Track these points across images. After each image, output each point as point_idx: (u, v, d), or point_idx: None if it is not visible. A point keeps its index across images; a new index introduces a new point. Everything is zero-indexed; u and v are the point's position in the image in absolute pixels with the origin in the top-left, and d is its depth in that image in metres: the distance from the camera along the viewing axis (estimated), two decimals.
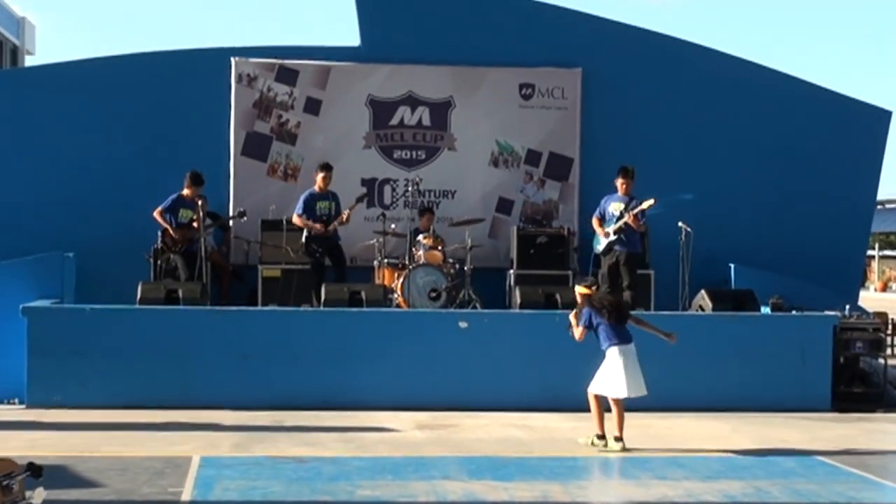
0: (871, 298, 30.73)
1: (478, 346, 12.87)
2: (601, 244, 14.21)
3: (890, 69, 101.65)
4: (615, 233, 13.97)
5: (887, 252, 53.46)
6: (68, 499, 8.15)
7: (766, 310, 14.01)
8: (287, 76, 15.66)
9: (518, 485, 9.01)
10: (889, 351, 14.30)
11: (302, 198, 14.61)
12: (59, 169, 15.29)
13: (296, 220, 14.49)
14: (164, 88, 15.47)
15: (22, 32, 35.92)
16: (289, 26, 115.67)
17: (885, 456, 10.95)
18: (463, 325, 12.96)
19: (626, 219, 13.83)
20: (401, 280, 14.09)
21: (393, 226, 14.96)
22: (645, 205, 13.76)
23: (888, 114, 16.51)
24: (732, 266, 15.32)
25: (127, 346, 12.55)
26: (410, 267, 14.16)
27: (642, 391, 10.40)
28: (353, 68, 15.76)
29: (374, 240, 14.68)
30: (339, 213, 14.51)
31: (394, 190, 15.78)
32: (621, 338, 10.40)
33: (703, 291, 14.16)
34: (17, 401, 12.62)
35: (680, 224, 14.46)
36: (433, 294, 14.02)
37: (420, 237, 14.66)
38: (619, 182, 14.11)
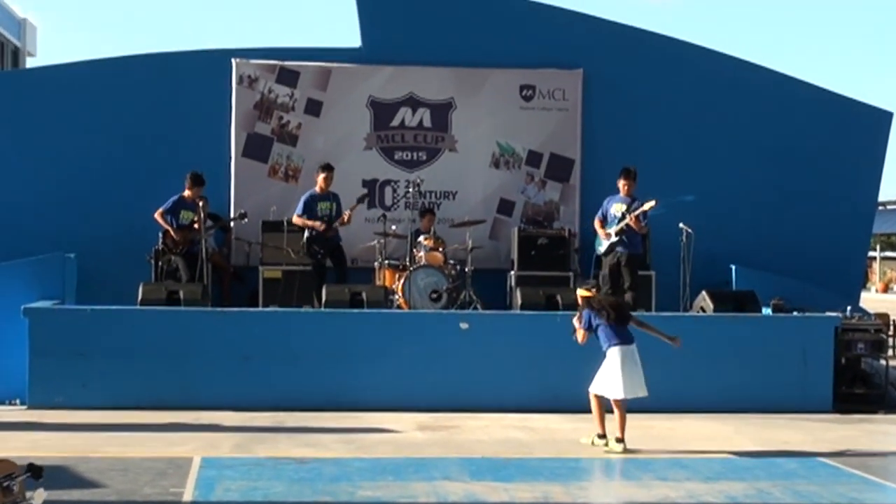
0: (872, 299, 30.73)
1: (478, 347, 12.86)
2: (603, 245, 14.22)
3: (891, 70, 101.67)
4: (617, 234, 13.97)
5: (888, 253, 53.43)
6: (69, 499, 8.16)
7: (767, 311, 14.01)
8: (288, 77, 15.67)
9: (519, 486, 9.01)
10: (890, 352, 14.28)
11: (303, 198, 14.61)
12: (60, 170, 15.30)
13: (296, 220, 14.50)
14: (164, 89, 15.48)
15: (23, 34, 35.96)
16: (289, 28, 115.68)
17: (887, 457, 10.95)
18: (464, 326, 12.96)
19: (627, 220, 13.84)
20: (402, 281, 14.09)
21: (394, 227, 14.96)
22: (646, 206, 13.76)
23: (889, 115, 16.50)
24: (733, 267, 15.32)
25: (128, 347, 12.55)
26: (411, 268, 14.16)
27: (641, 392, 10.39)
28: (354, 69, 15.76)
29: (375, 241, 14.68)
30: (340, 213, 14.51)
31: (395, 191, 15.78)
32: (621, 338, 10.41)
33: (704, 293, 14.16)
34: (18, 401, 12.62)
35: (681, 225, 14.46)
36: (434, 295, 14.02)
37: (421, 238, 14.67)
38: (621, 183, 14.12)
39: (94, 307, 12.89)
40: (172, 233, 14.37)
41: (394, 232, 14.89)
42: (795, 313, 13.90)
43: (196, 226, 14.21)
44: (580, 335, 10.61)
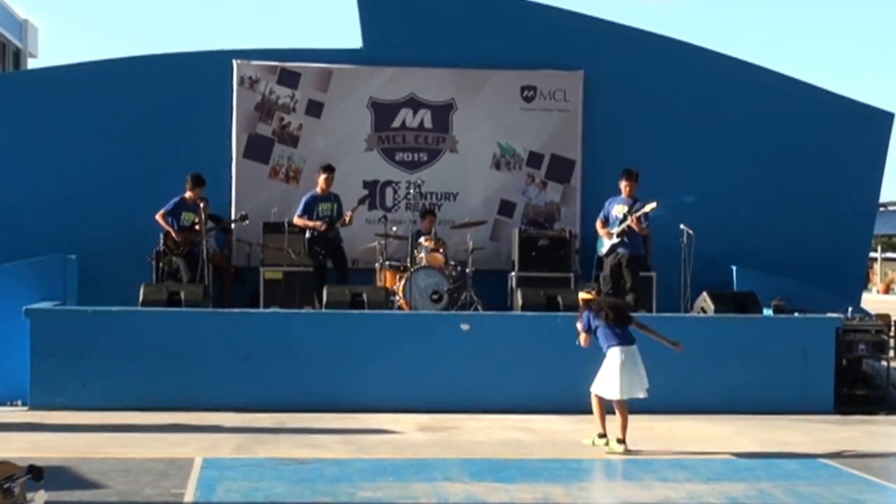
0: (873, 300, 30.67)
1: (479, 348, 12.87)
2: (604, 246, 14.23)
3: (892, 71, 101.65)
4: (618, 235, 13.98)
5: (889, 254, 53.37)
6: (70, 500, 8.17)
7: (768, 312, 14.01)
8: (289, 79, 15.67)
9: (519, 486, 9.02)
10: (892, 353, 14.27)
11: (303, 199, 14.62)
12: (61, 171, 15.30)
13: (297, 221, 14.51)
14: (166, 91, 15.48)
15: (24, 35, 35.93)
16: (290, 29, 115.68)
17: (888, 458, 10.95)
18: (464, 327, 12.96)
19: (629, 222, 13.85)
20: (402, 282, 14.09)
21: (394, 228, 14.98)
22: (647, 208, 13.77)
23: (890, 115, 16.50)
24: (734, 268, 15.32)
25: (129, 348, 12.55)
26: (412, 269, 14.17)
27: (639, 394, 10.38)
28: (354, 71, 15.77)
29: (376, 242, 14.69)
30: (341, 214, 14.52)
31: (395, 192, 15.78)
32: (621, 339, 10.41)
33: (704, 293, 14.16)
34: (19, 402, 12.62)
35: (682, 226, 14.46)
36: (435, 296, 14.02)
37: (422, 239, 14.67)
38: (623, 184, 14.12)
39: (95, 308, 12.90)
40: (173, 234, 14.38)
41: (394, 233, 14.90)
42: (796, 314, 13.90)
43: (197, 227, 14.22)
44: (582, 338, 10.63)
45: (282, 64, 15.70)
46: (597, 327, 10.51)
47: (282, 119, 15.67)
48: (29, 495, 6.34)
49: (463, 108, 15.83)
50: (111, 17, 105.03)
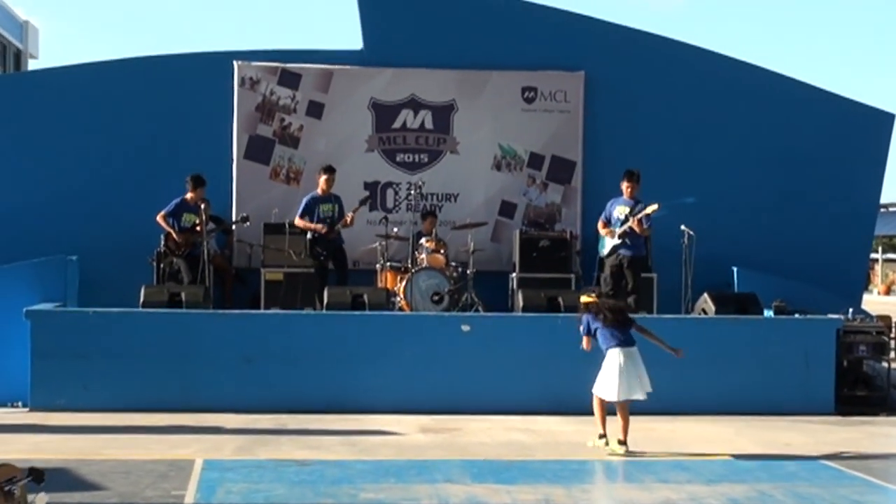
0: (874, 302, 30.68)
1: (480, 349, 12.86)
2: (606, 247, 14.23)
3: (893, 72, 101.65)
4: (620, 236, 13.98)
5: (890, 255, 53.38)
6: (71, 502, 8.16)
7: (769, 313, 14.01)
8: (290, 80, 15.67)
9: (521, 488, 9.01)
10: (892, 354, 14.27)
11: (304, 200, 14.62)
12: (62, 172, 15.30)
13: (298, 222, 14.51)
14: (166, 92, 15.48)
15: (25, 36, 35.92)
16: (291, 30, 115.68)
17: (889, 459, 10.94)
18: (465, 328, 12.95)
19: (630, 223, 13.84)
20: (403, 283, 14.10)
21: (395, 229, 14.98)
22: (649, 210, 13.77)
23: (891, 116, 16.50)
24: (735, 269, 15.32)
25: (130, 350, 12.56)
26: (413, 270, 14.17)
27: (637, 395, 10.36)
28: (355, 72, 15.76)
29: (377, 243, 14.69)
30: (342, 215, 14.51)
31: (396, 193, 15.78)
32: (620, 340, 10.40)
33: (705, 295, 14.16)
34: (20, 404, 12.62)
35: (682, 227, 14.46)
36: (436, 297, 14.02)
37: (422, 240, 14.67)
38: (625, 185, 14.13)
39: (95, 309, 12.89)
40: (174, 235, 14.38)
41: (395, 234, 14.90)
42: (797, 315, 13.90)
43: (198, 228, 14.22)
44: (584, 342, 10.61)
45: (282, 65, 15.69)
46: (596, 329, 10.50)
47: (282, 120, 15.67)
48: (30, 497, 6.33)
49: (464, 109, 15.83)
50: (112, 19, 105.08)
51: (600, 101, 15.86)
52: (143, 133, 15.44)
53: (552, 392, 12.64)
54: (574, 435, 11.31)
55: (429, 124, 15.83)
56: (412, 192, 15.31)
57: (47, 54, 58.10)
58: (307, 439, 11.01)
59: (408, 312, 13.79)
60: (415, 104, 15.80)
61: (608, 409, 10.54)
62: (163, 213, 14.41)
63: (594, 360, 10.58)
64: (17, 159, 15.34)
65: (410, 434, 11.44)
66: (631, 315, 10.97)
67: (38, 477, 6.30)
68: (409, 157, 15.84)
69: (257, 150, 15.61)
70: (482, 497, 8.69)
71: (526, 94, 15.89)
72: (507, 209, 15.92)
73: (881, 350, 13.81)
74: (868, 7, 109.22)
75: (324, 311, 13.41)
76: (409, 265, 14.38)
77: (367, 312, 13.19)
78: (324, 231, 14.35)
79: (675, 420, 12.17)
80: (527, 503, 8.52)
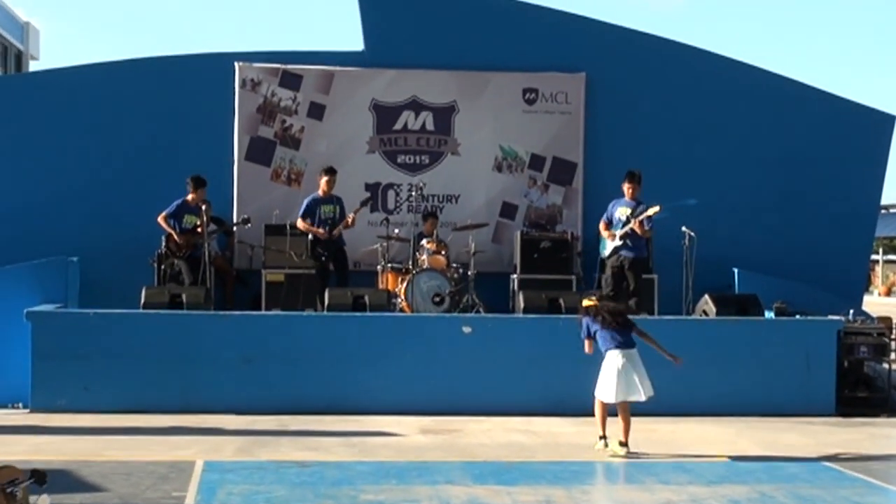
0: (874, 303, 30.67)
1: (481, 350, 12.86)
2: (607, 248, 14.22)
3: (894, 73, 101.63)
4: (621, 238, 13.98)
5: (891, 256, 53.38)
6: (72, 503, 8.16)
7: (769, 314, 14.02)
8: (291, 81, 15.67)
9: (521, 489, 9.01)
10: (893, 355, 14.26)
11: (305, 202, 14.62)
12: (63, 173, 15.30)
13: (300, 224, 14.51)
14: (168, 93, 15.48)
15: (26, 37, 35.96)
16: (292, 31, 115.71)
17: (890, 460, 10.93)
18: (466, 329, 12.95)
19: (631, 225, 13.84)
20: (404, 284, 14.09)
21: (396, 230, 14.99)
22: (650, 211, 13.77)
23: (892, 118, 16.50)
24: (736, 271, 15.33)
25: (131, 351, 12.56)
26: (414, 271, 14.17)
27: (635, 397, 10.33)
28: (356, 73, 15.76)
29: (378, 244, 14.69)
30: (343, 217, 14.51)
31: (397, 195, 15.78)
32: (618, 342, 10.37)
33: (706, 296, 14.16)
34: (20, 405, 12.62)
35: (683, 229, 14.46)
36: (437, 299, 14.01)
37: (423, 242, 14.67)
38: (626, 186, 14.13)
39: (96, 311, 12.90)
40: (175, 236, 14.39)
41: (396, 235, 14.90)
42: (798, 317, 13.90)
43: (199, 230, 14.22)
44: (586, 345, 10.59)
45: (284, 66, 15.69)
46: (595, 331, 10.49)
47: (283, 121, 15.67)
48: (32, 499, 6.34)
49: (465, 110, 15.83)
50: (113, 20, 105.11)
51: (601, 102, 15.86)
52: (143, 134, 15.44)
53: (553, 393, 12.64)
54: (575, 436, 11.31)
55: (430, 126, 15.83)
56: (413, 193, 15.32)
57: (48, 55, 58.17)
58: (308, 440, 11.00)
59: (409, 314, 13.79)
60: (416, 105, 15.80)
61: (610, 411, 10.53)
62: (164, 214, 14.41)
63: (594, 361, 10.58)
64: (19, 160, 15.34)
65: (411, 435, 11.44)
66: (632, 317, 10.94)
67: (41, 479, 6.30)
68: (410, 159, 15.84)
69: (258, 151, 15.61)
70: (483, 498, 8.69)
71: (527, 95, 15.90)
72: (508, 210, 15.92)
73: (882, 351, 13.81)
74: (869, 8, 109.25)
75: (325, 313, 13.41)
76: (410, 266, 14.38)
77: (368, 314, 13.19)
78: (324, 237, 14.34)
79: (676, 421, 12.16)
80: None
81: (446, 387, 12.71)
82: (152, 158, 15.37)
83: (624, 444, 10.39)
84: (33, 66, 35.97)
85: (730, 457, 10.57)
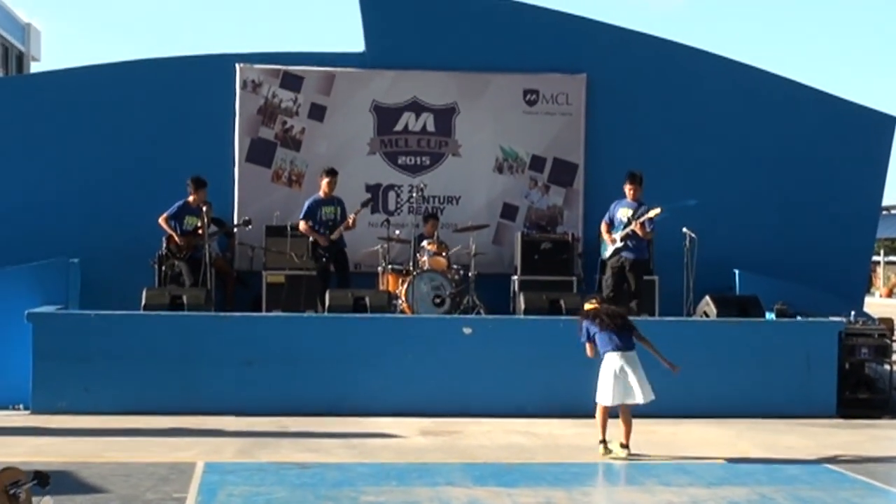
0: (876, 304, 30.64)
1: (482, 352, 12.85)
2: (608, 250, 14.22)
3: (895, 75, 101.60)
4: (622, 239, 13.98)
5: (892, 258, 53.37)
6: None
7: (770, 316, 14.01)
8: (292, 82, 15.67)
9: (522, 491, 9.01)
10: (895, 357, 14.26)
11: (306, 203, 14.62)
12: (64, 175, 15.31)
13: (301, 226, 14.50)
14: (168, 94, 15.49)
15: (27, 39, 36.03)
16: (293, 32, 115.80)
17: (891, 462, 10.91)
18: (467, 330, 12.95)
19: (632, 226, 13.84)
20: (405, 286, 14.09)
21: (397, 232, 14.99)
22: (651, 213, 13.76)
23: (893, 119, 16.50)
24: (737, 272, 15.32)
25: (131, 352, 12.55)
26: (415, 273, 14.16)
27: (633, 400, 10.30)
28: (357, 74, 15.77)
29: (379, 246, 14.69)
30: (344, 218, 14.51)
31: (398, 196, 15.78)
32: (615, 345, 10.34)
33: (707, 297, 14.15)
34: (21, 406, 12.62)
35: (684, 230, 14.45)
36: (437, 300, 14.01)
37: (424, 243, 14.67)
38: (627, 188, 14.13)
39: (97, 312, 12.89)
40: (176, 238, 14.38)
41: (397, 237, 14.91)
42: (799, 318, 13.90)
43: (200, 231, 14.22)
44: (587, 349, 10.57)
45: (284, 67, 15.69)
46: (594, 334, 10.47)
47: (284, 123, 15.67)
48: (35, 500, 6.34)
49: (465, 111, 15.83)
50: (114, 21, 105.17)
51: (602, 103, 15.86)
52: (144, 135, 15.44)
53: (553, 395, 12.63)
54: (575, 438, 11.31)
55: (430, 127, 15.83)
56: (414, 194, 15.32)
57: (49, 56, 58.17)
58: (308, 442, 11.00)
59: (409, 315, 13.78)
60: (416, 107, 15.80)
61: (613, 413, 10.50)
62: (165, 215, 14.41)
63: (595, 363, 10.57)
64: (20, 161, 15.33)
65: (411, 437, 11.43)
66: (633, 320, 10.91)
67: (44, 480, 6.31)
68: (410, 160, 15.84)
69: (259, 152, 15.61)
70: (483, 500, 8.69)
71: (528, 96, 15.90)
72: (508, 212, 15.92)
73: (883, 353, 13.81)
74: (870, 9, 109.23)
75: (325, 314, 13.41)
76: (411, 268, 14.37)
77: (369, 315, 13.19)
78: (325, 244, 14.33)
79: (677, 423, 12.15)
80: None
81: (447, 388, 12.71)
82: (153, 159, 15.37)
83: (625, 445, 10.39)
84: (34, 68, 36.04)
85: (730, 458, 10.55)
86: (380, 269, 14.66)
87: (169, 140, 15.41)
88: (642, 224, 13.81)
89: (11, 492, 6.03)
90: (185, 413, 12.12)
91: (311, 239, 14.48)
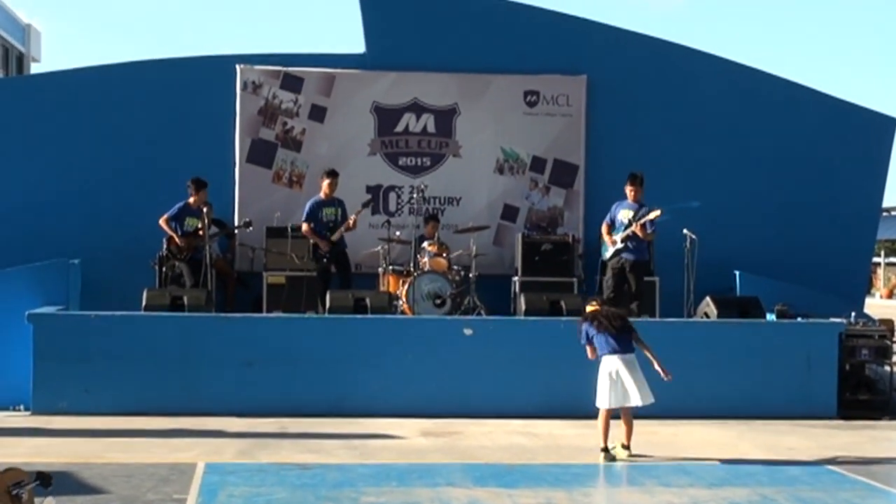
0: (876, 305, 30.66)
1: (482, 353, 12.85)
2: (608, 251, 14.22)
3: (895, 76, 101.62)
4: (622, 241, 13.97)
5: (893, 259, 53.41)
6: None
7: (771, 317, 14.00)
8: (292, 83, 15.67)
9: (522, 492, 9.01)
10: (895, 358, 14.26)
11: (308, 205, 14.62)
12: (64, 176, 15.31)
13: (305, 230, 14.49)
14: (169, 95, 15.49)
15: (28, 39, 36.04)
16: (294, 33, 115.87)
17: (891, 463, 10.91)
18: (468, 332, 12.95)
19: (633, 228, 13.84)
20: (406, 287, 14.09)
21: (398, 233, 15.00)
22: (651, 215, 13.76)
23: (893, 121, 16.51)
24: (737, 273, 15.32)
25: (132, 353, 12.55)
26: (415, 274, 14.16)
27: (630, 403, 10.28)
28: (358, 75, 15.77)
29: (379, 247, 14.69)
30: (344, 219, 14.51)
31: (399, 197, 15.78)
32: (613, 348, 10.31)
33: (708, 298, 14.15)
34: (22, 407, 12.62)
35: (685, 231, 14.45)
36: (438, 301, 14.01)
37: (425, 244, 14.67)
38: (628, 189, 14.12)
39: (97, 313, 12.89)
40: (177, 239, 14.38)
41: (398, 238, 14.91)
42: (799, 319, 13.89)
43: (200, 232, 14.21)
44: (588, 351, 10.56)
45: (285, 68, 15.70)
46: (592, 337, 10.46)
47: (285, 124, 15.67)
48: (37, 501, 6.34)
49: (466, 112, 15.83)
50: (114, 22, 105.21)
51: (603, 104, 15.87)
52: (145, 136, 15.45)
53: (554, 396, 12.63)
54: (576, 439, 11.31)
55: (431, 128, 15.84)
56: (415, 195, 15.31)
57: (50, 57, 58.21)
58: (308, 443, 11.00)
59: (410, 316, 13.79)
60: (417, 108, 15.80)
61: (614, 414, 10.48)
62: (165, 216, 14.41)
63: (596, 364, 10.56)
64: (20, 162, 15.34)
65: (412, 438, 11.43)
66: (634, 322, 10.88)
67: (46, 481, 6.31)
68: (411, 161, 15.85)
69: (260, 153, 15.62)
70: (483, 501, 8.69)
71: (528, 97, 15.90)
72: (509, 213, 15.92)
73: (883, 354, 13.81)
74: (870, 10, 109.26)
75: (326, 315, 13.41)
76: (412, 269, 14.38)
77: (370, 316, 13.18)
78: (327, 249, 14.32)
79: (678, 424, 12.15)
80: None
81: (447, 389, 12.71)
82: (153, 160, 15.38)
83: (626, 446, 10.38)
84: (35, 68, 36.05)
85: (731, 459, 10.55)
86: (380, 270, 14.66)
87: (169, 141, 15.42)
88: (643, 226, 13.81)
89: (14, 492, 6.04)
90: (186, 414, 12.11)
91: (311, 240, 14.47)
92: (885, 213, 36.61)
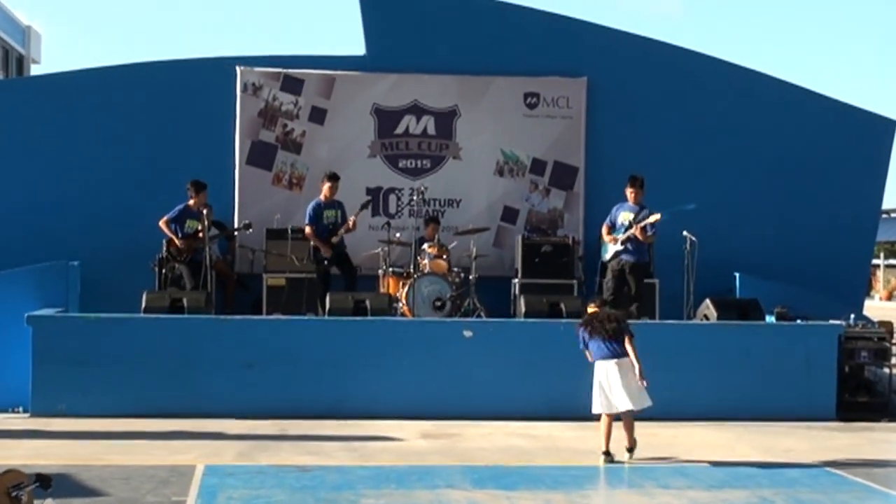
0: (875, 307, 30.65)
1: (482, 354, 12.86)
2: (608, 252, 14.22)
3: (895, 78, 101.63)
4: (622, 242, 13.97)
5: (892, 261, 53.39)
6: None
7: (770, 319, 14.01)
8: (292, 85, 15.68)
9: (521, 494, 9.02)
10: (894, 360, 14.27)
11: (309, 207, 14.62)
12: (64, 177, 15.32)
13: (308, 231, 14.48)
14: (169, 97, 15.50)
15: (28, 41, 36.04)
16: (294, 35, 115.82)
17: (890, 465, 10.94)
18: (467, 333, 12.95)
19: (633, 231, 13.84)
20: (405, 289, 14.09)
21: (398, 235, 14.99)
22: (651, 219, 13.75)
23: (892, 123, 16.51)
24: (737, 275, 15.33)
25: (131, 355, 12.55)
26: (415, 276, 14.17)
27: (623, 408, 10.25)
28: (358, 77, 15.77)
29: (379, 248, 14.70)
30: (345, 221, 14.51)
31: (399, 199, 15.78)
32: (606, 353, 10.28)
33: (707, 300, 14.15)
34: (21, 409, 12.62)
35: (685, 233, 14.46)
36: (438, 303, 14.01)
37: (425, 246, 14.67)
38: (629, 191, 14.12)
39: (97, 315, 12.90)
40: (177, 241, 14.38)
41: (398, 239, 14.91)
42: (799, 321, 13.90)
43: (200, 234, 14.22)
44: (587, 355, 10.55)
45: (285, 70, 15.71)
46: (587, 342, 10.45)
47: (285, 125, 15.67)
48: (37, 503, 6.35)
49: (466, 114, 15.83)
50: (114, 24, 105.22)
51: (603, 106, 15.87)
52: (145, 138, 15.46)
53: (553, 397, 12.63)
54: (575, 441, 11.31)
55: (431, 130, 15.84)
56: (415, 197, 15.32)
57: (50, 59, 58.26)
58: (308, 445, 11.00)
59: (410, 318, 13.79)
60: (417, 110, 15.81)
61: (616, 417, 10.46)
62: (165, 218, 14.42)
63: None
64: (20, 164, 15.35)
65: (411, 440, 11.44)
66: (632, 325, 10.83)
67: (46, 483, 6.32)
68: (411, 163, 15.85)
69: (260, 155, 15.62)
70: (482, 502, 8.69)
71: (528, 99, 15.90)
72: (509, 215, 15.92)
73: (882, 356, 13.82)
74: (870, 12, 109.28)
75: (326, 317, 13.41)
76: (412, 271, 14.38)
77: (369, 318, 13.18)
78: (328, 254, 14.32)
79: (677, 426, 12.15)
80: None
81: (447, 391, 12.71)
82: (153, 162, 15.39)
83: (630, 449, 10.38)
84: (35, 70, 36.05)
85: (730, 461, 10.55)
86: (380, 271, 14.66)
87: (169, 143, 15.43)
88: (643, 228, 13.80)
89: (13, 494, 6.05)
90: (185, 416, 12.11)
91: (312, 241, 14.47)
92: (884, 215, 36.58)
